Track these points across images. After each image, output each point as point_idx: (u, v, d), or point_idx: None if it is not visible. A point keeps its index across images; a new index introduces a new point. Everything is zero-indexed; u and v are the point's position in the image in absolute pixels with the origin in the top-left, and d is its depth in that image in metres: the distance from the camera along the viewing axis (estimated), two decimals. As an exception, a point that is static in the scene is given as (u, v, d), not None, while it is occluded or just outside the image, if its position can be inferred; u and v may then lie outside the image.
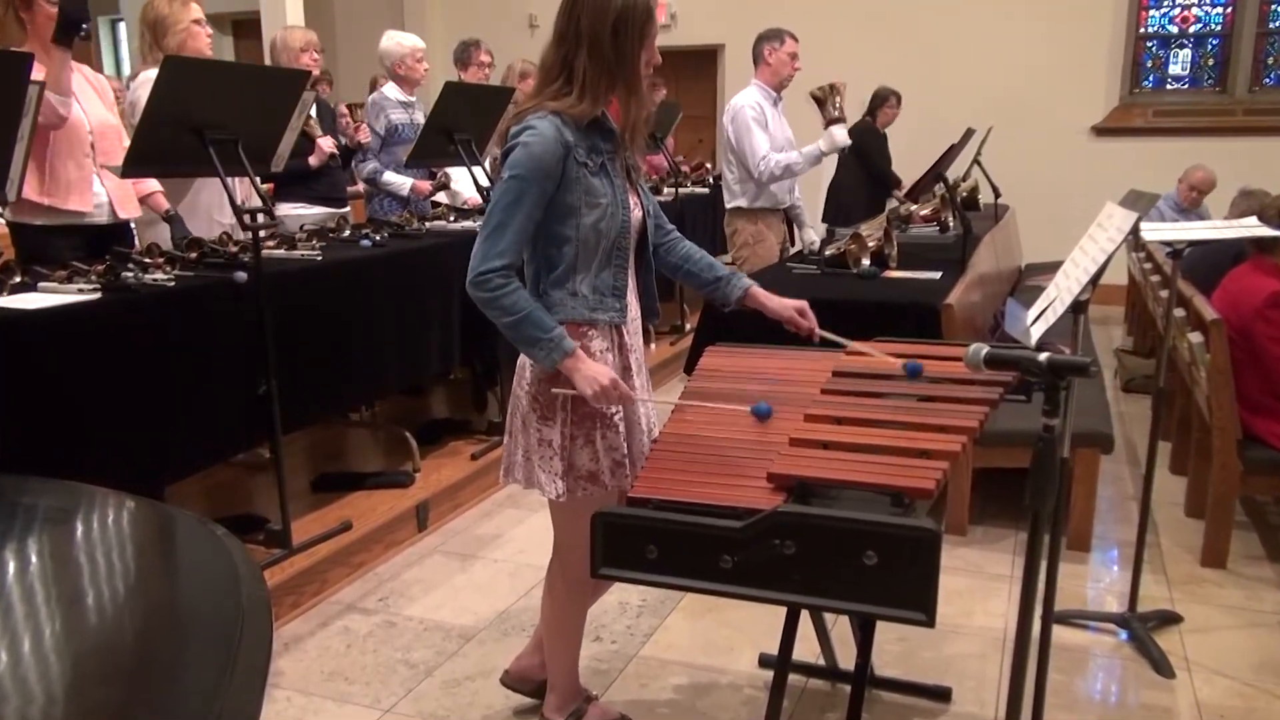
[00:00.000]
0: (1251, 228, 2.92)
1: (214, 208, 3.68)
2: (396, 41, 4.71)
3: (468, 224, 4.19)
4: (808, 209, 5.05)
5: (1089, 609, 2.98)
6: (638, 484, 1.91)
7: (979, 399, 1.95)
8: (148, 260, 2.93)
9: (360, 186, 5.08)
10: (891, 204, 6.10)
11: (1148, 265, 4.90)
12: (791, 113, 4.73)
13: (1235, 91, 7.51)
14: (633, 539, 1.79)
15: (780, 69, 4.49)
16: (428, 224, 4.16)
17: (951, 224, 4.95)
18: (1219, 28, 7.55)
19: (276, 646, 2.76)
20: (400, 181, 4.68)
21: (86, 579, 1.21)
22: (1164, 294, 3.56)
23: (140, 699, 0.95)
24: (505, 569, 3.29)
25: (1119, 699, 2.55)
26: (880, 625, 2.21)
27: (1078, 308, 2.10)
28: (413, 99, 4.77)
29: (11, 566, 1.23)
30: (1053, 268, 2.43)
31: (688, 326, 5.97)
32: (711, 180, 6.77)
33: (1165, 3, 7.63)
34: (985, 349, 1.69)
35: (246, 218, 2.81)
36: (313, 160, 4.25)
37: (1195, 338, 3.27)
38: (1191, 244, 2.75)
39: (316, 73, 4.03)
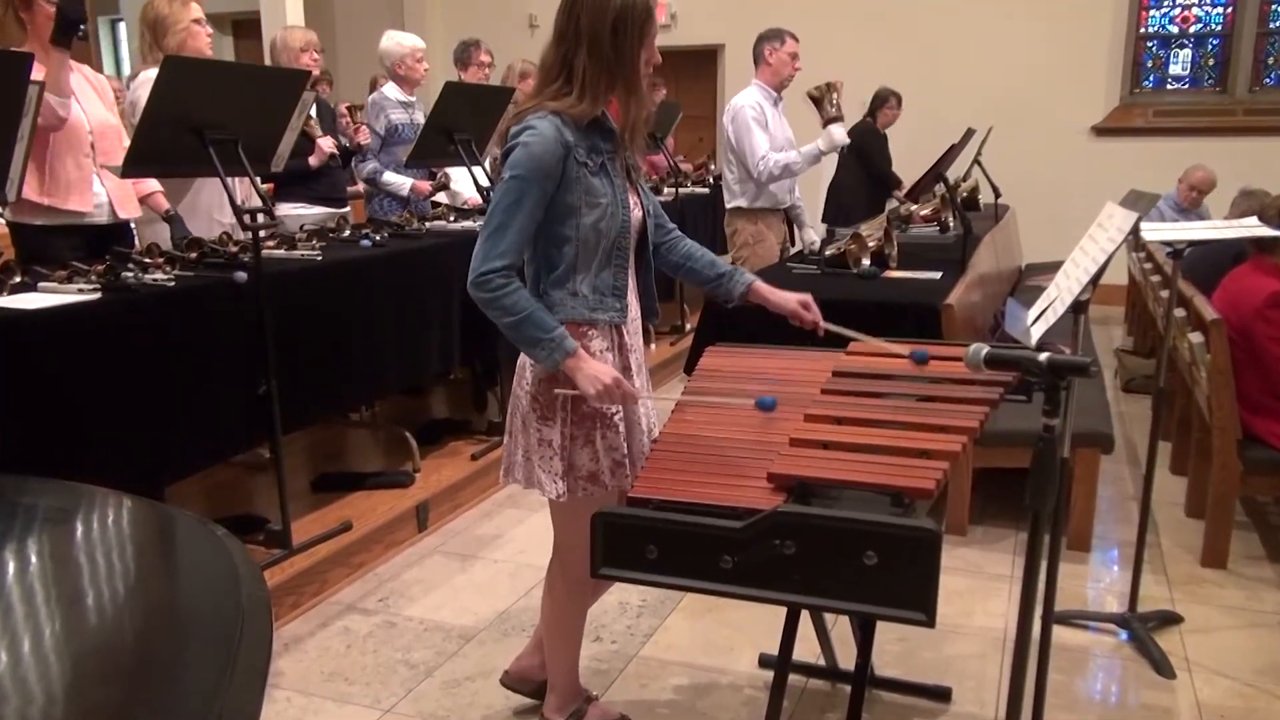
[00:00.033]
0: (1252, 228, 2.92)
1: (214, 207, 3.68)
2: (396, 41, 4.71)
3: (468, 224, 4.19)
4: (808, 209, 5.05)
5: (1089, 609, 2.98)
6: (638, 484, 1.91)
7: (979, 399, 1.94)
8: (148, 260, 2.93)
9: (360, 186, 5.08)
10: (891, 204, 6.10)
11: (1148, 265, 4.90)
12: (792, 113, 4.73)
13: (1235, 91, 7.51)
14: (633, 539, 1.79)
15: (781, 69, 4.49)
16: (428, 224, 4.16)
17: (952, 224, 4.96)
18: (1219, 28, 7.55)
19: (276, 647, 2.76)
20: (400, 182, 4.68)
21: (86, 579, 1.21)
22: (1164, 294, 3.56)
23: (140, 699, 0.95)
24: (505, 569, 3.28)
25: (1119, 699, 2.55)
26: (880, 625, 2.20)
27: (1078, 308, 2.10)
28: (413, 99, 4.77)
29: (11, 566, 1.23)
30: (1053, 268, 2.43)
31: (688, 326, 5.97)
32: (712, 180, 6.77)
33: (1165, 3, 7.64)
34: (985, 349, 1.69)
35: (246, 218, 2.81)
36: (313, 160, 4.25)
37: (1195, 338, 3.27)
38: (1192, 244, 2.75)
39: (316, 73, 4.03)
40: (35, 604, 1.13)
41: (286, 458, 3.05)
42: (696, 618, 2.91)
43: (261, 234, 2.97)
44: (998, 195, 5.50)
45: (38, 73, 2.65)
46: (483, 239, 1.92)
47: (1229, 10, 7.49)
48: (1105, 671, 2.67)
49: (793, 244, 4.96)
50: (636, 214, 2.08)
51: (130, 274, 2.74)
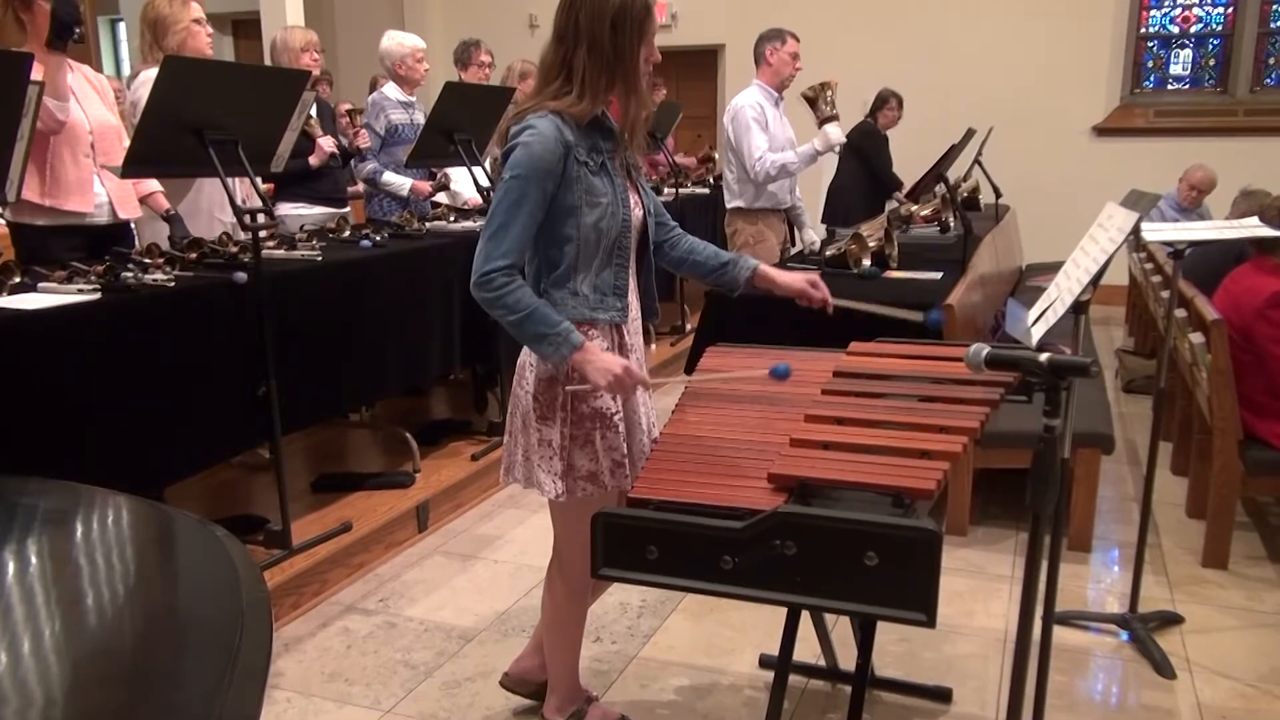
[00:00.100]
0: (1252, 228, 2.92)
1: (215, 207, 3.68)
2: (397, 41, 4.71)
3: (468, 224, 4.19)
4: (808, 210, 5.04)
5: (1090, 610, 2.98)
6: (638, 484, 1.91)
7: (980, 399, 1.94)
8: (148, 260, 2.93)
9: (360, 187, 5.08)
10: (892, 204, 6.10)
11: (1149, 265, 4.90)
12: (793, 113, 4.72)
13: (1236, 92, 7.51)
14: (633, 539, 1.79)
15: (781, 69, 4.49)
16: (428, 224, 4.16)
17: (952, 224, 4.96)
18: (1220, 28, 7.55)
19: (276, 647, 2.76)
20: (400, 182, 4.68)
21: (86, 580, 1.21)
22: (1165, 294, 3.56)
23: (140, 700, 0.95)
24: (505, 570, 3.28)
25: (1120, 700, 2.55)
26: (881, 626, 2.20)
27: (1078, 308, 2.10)
28: (413, 99, 4.77)
29: (11, 567, 1.23)
30: (1053, 268, 2.43)
31: (688, 326, 5.97)
32: (712, 180, 6.77)
33: (1166, 3, 7.64)
34: (986, 349, 1.69)
35: (246, 218, 2.81)
36: (313, 160, 4.25)
37: (1196, 338, 3.26)
38: (1192, 244, 2.75)
39: (317, 73, 4.03)
40: (35, 605, 1.13)
41: (286, 458, 3.05)
42: (697, 618, 2.91)
43: (261, 234, 2.97)
44: (998, 195, 5.50)
45: (37, 73, 2.65)
46: (484, 239, 1.92)
47: (1229, 10, 7.49)
48: (1106, 672, 2.67)
49: (793, 244, 4.96)
50: (637, 213, 2.08)
51: (130, 274, 2.74)
